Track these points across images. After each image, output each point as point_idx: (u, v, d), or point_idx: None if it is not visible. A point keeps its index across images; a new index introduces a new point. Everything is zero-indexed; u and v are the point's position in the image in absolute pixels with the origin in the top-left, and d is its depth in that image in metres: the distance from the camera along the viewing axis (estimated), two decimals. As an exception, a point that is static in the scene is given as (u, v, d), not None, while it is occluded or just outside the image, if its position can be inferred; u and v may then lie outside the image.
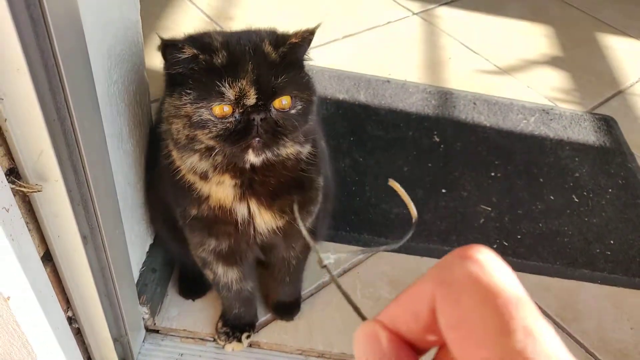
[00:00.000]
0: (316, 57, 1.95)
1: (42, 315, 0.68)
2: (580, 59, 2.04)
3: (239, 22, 1.91)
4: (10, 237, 0.58)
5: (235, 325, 1.06)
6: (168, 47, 0.71)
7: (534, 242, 1.37)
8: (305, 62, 0.79)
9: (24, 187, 0.57)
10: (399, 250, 1.30)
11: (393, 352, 0.25)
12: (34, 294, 0.65)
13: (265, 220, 0.84)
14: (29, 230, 0.63)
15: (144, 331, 1.08)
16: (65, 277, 0.75)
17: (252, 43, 0.74)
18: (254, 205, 0.82)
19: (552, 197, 1.50)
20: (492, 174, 1.53)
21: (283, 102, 0.73)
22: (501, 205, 1.45)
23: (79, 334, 0.85)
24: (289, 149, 0.78)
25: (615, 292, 1.30)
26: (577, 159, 1.62)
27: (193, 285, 1.13)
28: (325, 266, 0.39)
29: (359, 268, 1.24)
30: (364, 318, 0.28)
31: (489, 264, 0.23)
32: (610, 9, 2.35)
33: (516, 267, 1.34)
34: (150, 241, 1.09)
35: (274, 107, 0.73)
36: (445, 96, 1.77)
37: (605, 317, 1.24)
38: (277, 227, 0.86)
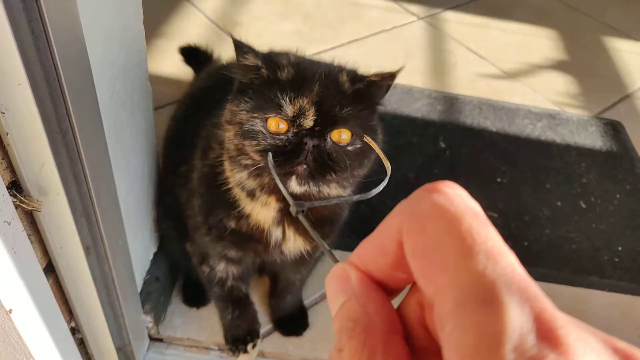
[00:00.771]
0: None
1: (44, 327, 0.68)
2: (586, 63, 2.02)
3: (245, 28, 1.91)
4: (12, 250, 0.58)
5: (237, 338, 1.06)
6: (236, 48, 0.70)
7: (541, 249, 1.36)
8: (379, 108, 0.76)
9: (24, 203, 0.56)
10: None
11: (362, 290, 0.25)
12: (37, 307, 0.65)
13: (295, 245, 0.84)
14: (32, 242, 0.63)
15: (147, 340, 1.08)
16: (68, 288, 0.75)
17: (327, 69, 0.71)
18: (290, 231, 0.81)
19: (559, 204, 1.48)
20: (499, 179, 1.52)
21: (342, 135, 0.69)
22: (508, 212, 1.44)
23: (82, 344, 0.85)
24: (331, 190, 0.74)
25: (623, 299, 1.29)
26: (584, 165, 1.61)
27: (197, 293, 1.13)
28: (298, 213, 0.38)
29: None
30: (336, 261, 0.28)
31: (454, 195, 0.23)
32: (616, 13, 2.33)
33: (523, 276, 1.31)
34: (154, 249, 1.09)
35: (330, 139, 0.68)
36: (451, 101, 1.76)
37: (614, 326, 1.23)
38: (304, 251, 0.86)
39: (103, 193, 0.69)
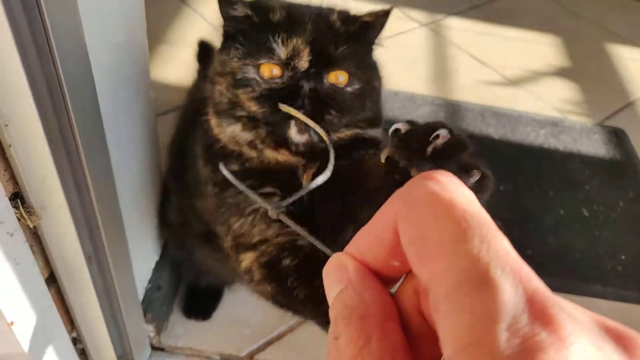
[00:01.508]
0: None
1: (46, 339, 0.67)
2: (589, 70, 2.02)
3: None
4: (14, 261, 0.57)
5: None
6: (221, 2, 0.67)
7: (544, 257, 1.35)
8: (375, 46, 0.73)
9: (24, 218, 0.56)
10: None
11: (359, 279, 0.25)
12: (38, 318, 0.64)
13: None
14: (34, 253, 0.63)
15: (149, 349, 1.07)
16: (70, 298, 0.74)
17: (318, 10, 0.69)
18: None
19: (562, 211, 1.48)
20: (501, 187, 1.52)
21: (340, 77, 0.66)
22: (511, 220, 1.43)
23: (83, 354, 0.85)
24: (342, 135, 0.68)
25: (628, 308, 1.28)
26: (587, 172, 1.60)
27: (199, 305, 1.12)
28: (278, 214, 0.38)
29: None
30: (330, 253, 0.28)
31: (449, 183, 0.23)
32: (619, 20, 2.33)
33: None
34: (156, 258, 1.08)
35: (327, 80, 0.65)
36: (454, 108, 1.76)
37: (617, 335, 1.22)
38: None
39: (105, 203, 0.69)
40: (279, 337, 1.12)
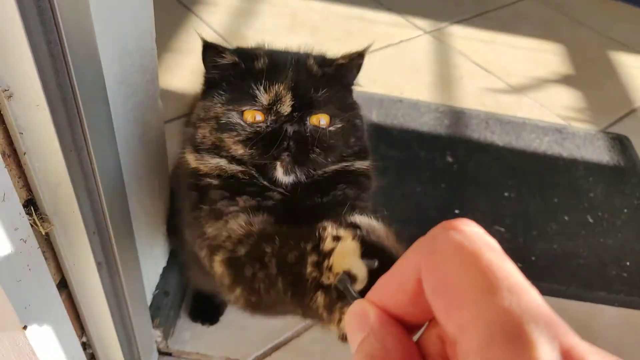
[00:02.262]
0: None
1: (57, 343, 0.68)
2: (592, 78, 2.03)
3: (252, 42, 1.93)
4: (27, 267, 0.58)
5: None
6: (208, 50, 0.70)
7: (549, 264, 1.36)
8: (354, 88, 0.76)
9: (37, 225, 0.57)
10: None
11: (381, 327, 0.25)
12: (50, 323, 0.65)
13: None
14: (46, 259, 0.64)
15: (156, 354, 1.08)
16: (80, 303, 0.76)
17: (297, 56, 0.72)
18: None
19: (566, 218, 1.48)
20: (506, 194, 1.53)
21: (321, 120, 0.68)
22: (515, 226, 1.43)
23: (93, 359, 0.86)
24: (331, 167, 0.71)
25: (633, 315, 1.28)
26: (591, 179, 1.61)
27: (206, 310, 1.13)
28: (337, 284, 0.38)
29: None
30: (353, 298, 0.29)
31: (472, 232, 0.23)
32: (622, 27, 2.34)
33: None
34: (163, 264, 1.10)
35: (309, 123, 0.68)
36: (458, 115, 1.77)
37: (623, 341, 1.22)
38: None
39: (116, 210, 0.70)
40: (286, 342, 1.13)
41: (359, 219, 0.46)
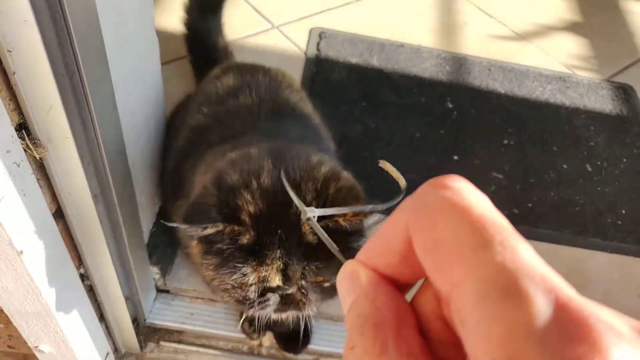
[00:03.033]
0: (329, 21, 1.92)
1: (55, 270, 0.69)
2: (600, 25, 1.98)
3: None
4: (22, 192, 0.58)
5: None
6: (189, 229, 0.66)
7: (545, 211, 1.36)
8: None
9: (30, 149, 0.57)
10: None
11: (372, 288, 0.24)
12: (47, 249, 0.66)
13: None
14: (40, 187, 0.64)
15: (154, 291, 1.10)
16: (77, 235, 0.76)
17: (288, 222, 0.65)
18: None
19: (565, 166, 1.48)
20: (505, 141, 1.52)
21: (315, 283, 0.70)
22: (513, 173, 1.43)
23: (91, 291, 0.87)
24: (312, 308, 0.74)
25: (625, 261, 1.30)
26: (592, 128, 1.60)
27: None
28: (309, 219, 0.39)
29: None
30: (345, 259, 0.28)
31: (462, 188, 0.23)
32: (634, -27, 2.27)
33: (526, 235, 1.33)
34: (159, 203, 1.10)
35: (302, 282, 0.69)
36: (460, 62, 1.73)
37: (613, 285, 1.24)
38: None
39: (110, 140, 0.69)
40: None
41: None
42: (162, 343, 1.07)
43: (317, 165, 0.70)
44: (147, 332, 1.07)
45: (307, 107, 1.06)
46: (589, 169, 1.49)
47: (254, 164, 0.70)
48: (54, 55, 0.53)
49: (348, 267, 0.26)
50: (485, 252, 0.20)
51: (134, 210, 0.88)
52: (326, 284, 0.68)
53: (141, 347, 1.05)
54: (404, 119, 1.52)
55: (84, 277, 0.83)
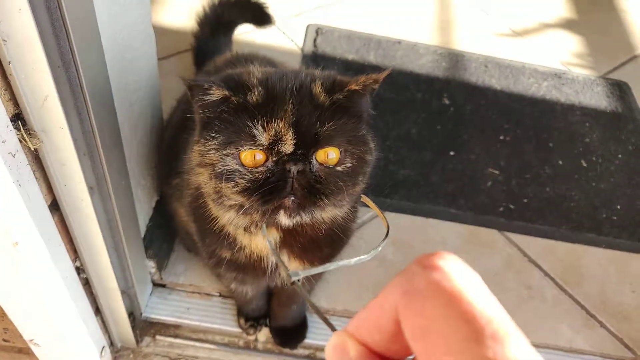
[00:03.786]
0: (325, 17, 1.91)
1: (50, 262, 0.69)
2: (596, 23, 1.99)
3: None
4: (17, 182, 0.58)
5: (257, 317, 1.07)
6: (194, 89, 0.62)
7: (541, 206, 1.37)
8: (366, 114, 0.66)
9: (25, 140, 0.57)
10: (404, 211, 1.30)
11: None
12: (42, 241, 0.66)
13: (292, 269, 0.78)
14: (36, 178, 0.64)
15: (150, 285, 1.10)
16: (73, 227, 0.76)
17: (299, 81, 0.63)
18: (285, 257, 0.74)
19: (560, 162, 1.48)
20: (501, 137, 1.52)
21: (329, 154, 0.61)
22: (509, 169, 1.44)
23: (87, 284, 0.87)
24: (326, 214, 0.66)
25: (620, 256, 1.30)
26: (587, 124, 1.60)
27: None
28: (294, 283, 0.38)
29: (364, 229, 1.24)
30: (333, 329, 0.28)
31: (451, 270, 0.22)
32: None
33: (522, 231, 1.33)
34: (156, 197, 1.10)
35: (316, 160, 0.60)
36: (457, 58, 1.74)
37: (608, 280, 1.25)
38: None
39: (106, 132, 0.69)
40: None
41: None
42: (158, 337, 1.07)
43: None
44: (143, 326, 1.07)
45: None
46: (584, 164, 1.49)
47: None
48: (50, 46, 0.53)
49: (336, 338, 0.26)
50: (475, 346, 0.20)
51: (130, 203, 0.88)
52: (339, 168, 0.62)
53: (137, 341, 1.05)
54: (400, 114, 1.53)
55: (79, 270, 0.83)
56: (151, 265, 1.06)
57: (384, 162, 1.40)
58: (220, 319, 1.09)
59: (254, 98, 0.61)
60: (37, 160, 0.64)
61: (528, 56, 1.80)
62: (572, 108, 1.64)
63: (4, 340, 0.89)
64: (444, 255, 0.23)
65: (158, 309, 1.09)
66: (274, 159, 0.60)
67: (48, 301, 0.75)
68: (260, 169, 0.60)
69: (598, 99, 1.69)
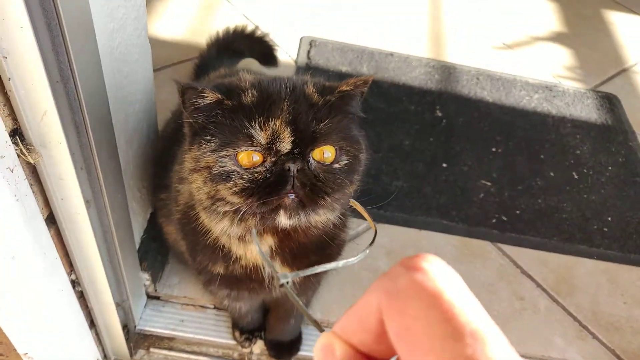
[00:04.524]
0: (319, 29, 1.93)
1: (46, 276, 0.69)
2: (586, 36, 2.02)
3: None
4: (15, 197, 0.58)
5: (252, 330, 1.07)
6: (187, 92, 0.61)
7: (533, 218, 1.38)
8: (357, 115, 0.68)
9: (24, 155, 0.57)
10: (397, 223, 1.31)
11: None
12: (39, 255, 0.66)
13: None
14: (33, 192, 0.64)
15: (145, 297, 1.10)
16: (69, 240, 0.76)
17: (292, 82, 0.64)
18: (277, 264, 0.74)
19: (552, 174, 1.50)
20: (493, 149, 1.54)
21: (325, 153, 0.61)
22: (501, 181, 1.45)
23: (82, 297, 0.87)
24: (320, 217, 0.66)
25: (611, 267, 1.32)
26: (578, 137, 1.62)
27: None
28: (282, 285, 0.39)
29: (358, 240, 1.25)
30: (322, 330, 0.28)
31: (434, 271, 0.23)
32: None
33: (514, 242, 1.33)
34: (151, 209, 1.10)
35: (313, 158, 0.61)
36: (449, 71, 1.76)
37: (599, 292, 1.26)
38: (295, 283, 0.81)
39: (103, 146, 0.70)
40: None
41: None
42: (152, 350, 1.06)
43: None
44: (137, 339, 1.07)
45: None
46: (575, 176, 1.51)
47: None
48: (49, 62, 0.54)
49: (324, 339, 0.26)
50: (454, 344, 0.20)
51: (126, 216, 0.88)
52: (335, 165, 0.62)
53: (131, 354, 1.04)
54: (393, 126, 1.54)
55: (74, 283, 0.83)
56: (145, 277, 1.06)
57: (376, 172, 1.41)
58: (214, 331, 1.09)
59: (249, 99, 0.61)
60: (34, 175, 0.64)
61: (519, 69, 1.83)
62: (563, 120, 1.67)
63: (-3, 354, 0.88)
64: (427, 257, 0.24)
65: (152, 321, 1.09)
66: (272, 158, 0.60)
67: (43, 315, 0.75)
68: (259, 169, 0.60)
69: (588, 111, 1.71)
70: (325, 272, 0.97)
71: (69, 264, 0.80)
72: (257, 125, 0.59)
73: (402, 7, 2.02)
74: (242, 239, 0.70)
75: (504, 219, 1.37)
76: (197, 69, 1.38)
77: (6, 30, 0.49)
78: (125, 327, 1.00)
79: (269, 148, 0.59)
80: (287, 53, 1.72)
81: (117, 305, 0.94)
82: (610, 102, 1.75)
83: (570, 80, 1.83)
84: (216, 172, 0.60)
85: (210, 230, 0.70)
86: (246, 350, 1.07)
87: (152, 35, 1.32)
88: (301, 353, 1.08)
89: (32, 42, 0.50)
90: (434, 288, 0.22)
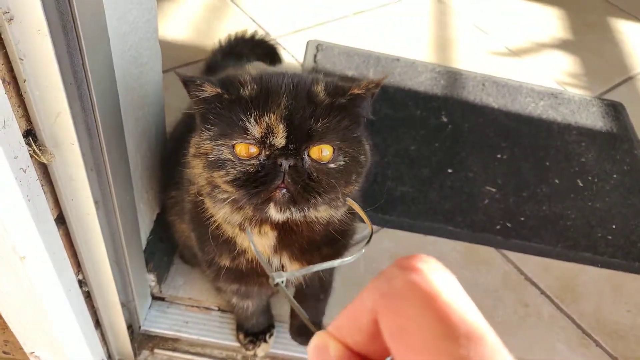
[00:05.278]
0: (325, 33, 1.94)
1: (55, 276, 0.69)
2: (591, 44, 2.02)
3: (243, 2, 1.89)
4: (27, 197, 0.59)
5: (257, 332, 1.07)
6: (188, 85, 0.64)
7: (537, 224, 1.38)
8: (365, 118, 0.68)
9: (37, 155, 0.58)
10: (402, 228, 1.31)
11: None
12: (48, 255, 0.66)
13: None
14: (44, 192, 0.64)
15: (150, 298, 1.10)
16: (77, 241, 0.76)
17: (297, 79, 0.64)
18: (285, 258, 0.74)
19: (557, 181, 1.50)
20: (499, 155, 1.54)
21: (323, 152, 0.62)
22: (506, 187, 1.45)
23: (88, 297, 0.87)
24: (320, 213, 0.67)
25: (615, 275, 1.32)
26: (583, 144, 1.63)
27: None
28: (277, 284, 0.39)
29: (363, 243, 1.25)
30: (316, 330, 0.29)
31: (429, 272, 0.23)
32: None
33: (519, 249, 1.33)
34: (157, 210, 1.10)
35: (309, 156, 0.62)
36: (455, 76, 1.76)
37: (603, 300, 1.26)
38: (303, 277, 0.82)
39: (113, 147, 0.70)
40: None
41: None
42: (156, 351, 1.07)
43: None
44: (141, 340, 1.07)
45: None
46: (580, 184, 1.51)
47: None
48: (64, 64, 0.55)
49: (318, 339, 0.26)
50: (449, 344, 0.20)
51: (134, 217, 0.89)
52: (331, 165, 0.62)
53: (135, 355, 1.05)
54: (399, 131, 1.54)
55: (82, 283, 0.84)
56: (151, 278, 1.07)
57: (382, 178, 1.41)
58: (218, 333, 1.09)
59: (247, 92, 0.63)
60: (45, 175, 0.65)
61: (525, 75, 1.83)
62: (569, 128, 1.67)
63: (5, 353, 0.89)
64: (422, 257, 0.24)
65: (157, 322, 1.09)
66: (267, 152, 0.61)
67: (50, 314, 0.75)
68: (253, 161, 0.61)
69: (594, 119, 1.71)
70: (333, 271, 0.97)
71: (77, 264, 0.80)
72: (252, 118, 0.61)
73: (409, 12, 2.02)
74: (242, 227, 0.71)
75: (509, 225, 1.37)
76: (204, 73, 1.40)
77: (24, 33, 0.50)
78: (130, 328, 1.00)
79: (263, 142, 0.61)
80: (294, 57, 1.72)
81: (123, 305, 0.94)
82: (615, 110, 1.75)
83: (576, 88, 1.83)
84: (212, 159, 0.63)
85: (215, 219, 0.72)
86: (250, 353, 1.07)
87: (160, 37, 1.33)
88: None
89: (49, 45, 0.51)
90: (429, 289, 0.22)
